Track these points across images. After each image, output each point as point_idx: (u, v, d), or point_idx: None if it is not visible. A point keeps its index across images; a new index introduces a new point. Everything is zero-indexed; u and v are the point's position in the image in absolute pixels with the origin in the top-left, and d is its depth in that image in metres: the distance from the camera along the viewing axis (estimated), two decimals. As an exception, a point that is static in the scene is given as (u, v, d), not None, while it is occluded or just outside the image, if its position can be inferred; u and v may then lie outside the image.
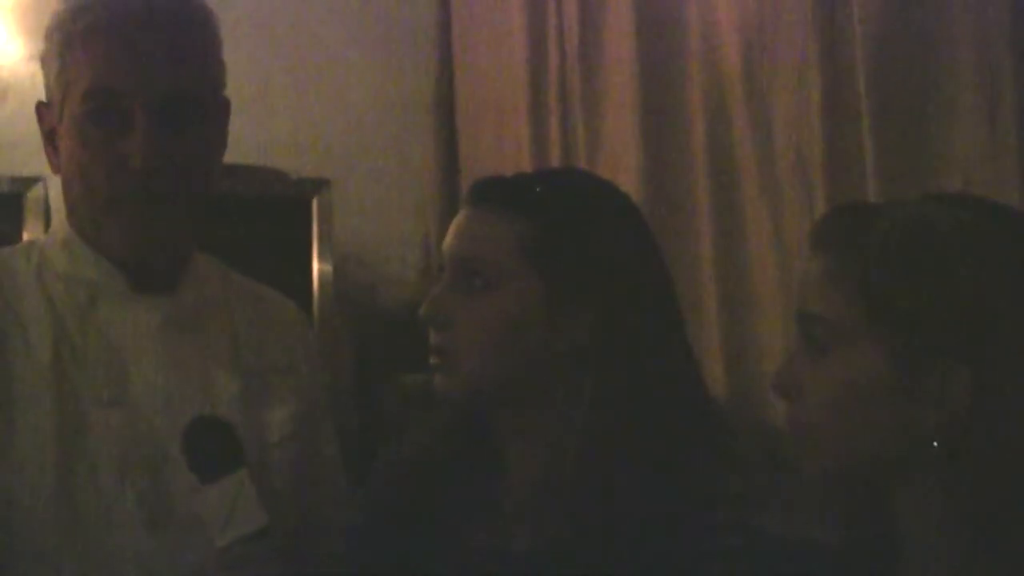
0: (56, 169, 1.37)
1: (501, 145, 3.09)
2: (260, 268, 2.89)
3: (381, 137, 3.26)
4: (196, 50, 1.36)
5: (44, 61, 1.36)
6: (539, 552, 1.19)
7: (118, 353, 1.35)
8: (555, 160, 2.98)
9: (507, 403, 1.26)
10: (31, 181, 2.86)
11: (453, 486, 1.28)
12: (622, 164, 2.87)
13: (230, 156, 3.20)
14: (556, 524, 1.18)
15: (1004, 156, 2.30)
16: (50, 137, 1.37)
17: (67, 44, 1.32)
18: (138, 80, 1.29)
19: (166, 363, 1.36)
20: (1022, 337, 0.96)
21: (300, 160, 3.07)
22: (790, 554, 1.12)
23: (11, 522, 1.27)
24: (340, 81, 3.29)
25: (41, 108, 1.38)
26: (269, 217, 2.93)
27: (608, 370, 1.21)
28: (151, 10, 1.32)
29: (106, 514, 1.29)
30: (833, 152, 2.51)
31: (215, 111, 1.40)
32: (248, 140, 3.02)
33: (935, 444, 0.97)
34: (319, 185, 2.89)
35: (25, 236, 2.79)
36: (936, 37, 2.41)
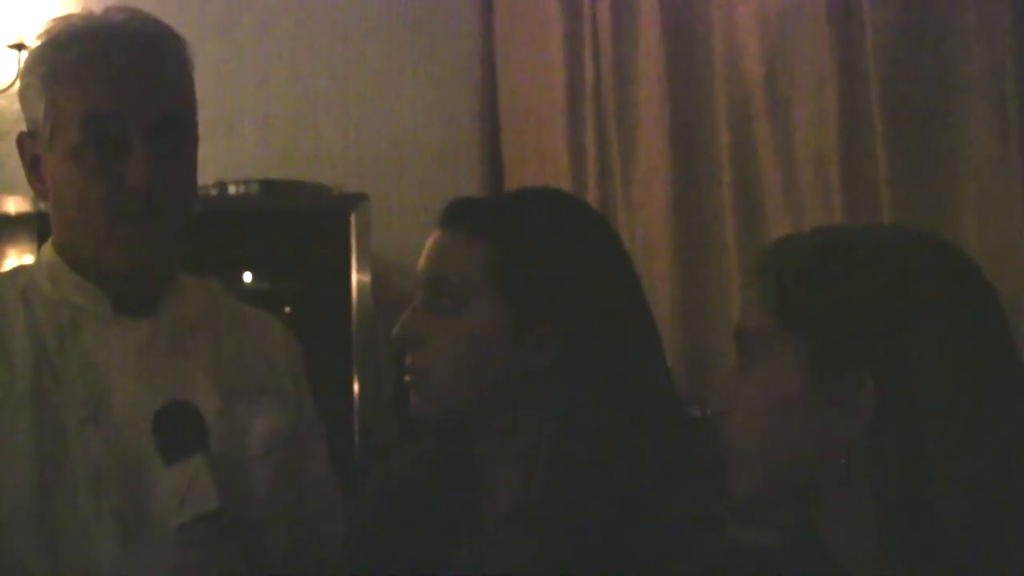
0: (42, 196, 1.41)
1: (542, 156, 3.16)
2: (303, 280, 2.98)
3: (425, 150, 3.32)
4: (177, 75, 1.40)
5: (25, 94, 1.39)
6: (515, 569, 1.18)
7: (98, 373, 1.37)
8: (592, 169, 3.05)
9: (480, 422, 1.26)
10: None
11: (438, 504, 1.28)
12: (654, 171, 2.95)
13: (277, 171, 3.28)
14: (531, 542, 1.18)
15: (1013, 162, 2.34)
16: (33, 166, 1.40)
17: (54, 76, 1.36)
18: (133, 105, 1.34)
19: (146, 383, 1.37)
20: (925, 349, 0.98)
21: (345, 174, 3.12)
22: (757, 565, 1.11)
23: None
24: (385, 97, 3.36)
25: (24, 139, 1.40)
26: (311, 230, 3.00)
27: (576, 390, 1.21)
28: (135, 40, 1.37)
29: (82, 529, 1.31)
30: (849, 160, 2.57)
31: (194, 132, 1.43)
32: (294, 155, 3.13)
33: (842, 461, 0.98)
34: (357, 199, 2.95)
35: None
36: (946, 48, 2.46)
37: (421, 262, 1.29)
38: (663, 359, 1.29)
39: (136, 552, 1.32)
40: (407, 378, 1.27)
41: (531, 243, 1.25)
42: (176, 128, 1.38)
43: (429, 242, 1.29)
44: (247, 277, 2.97)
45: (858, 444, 0.98)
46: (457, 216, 1.29)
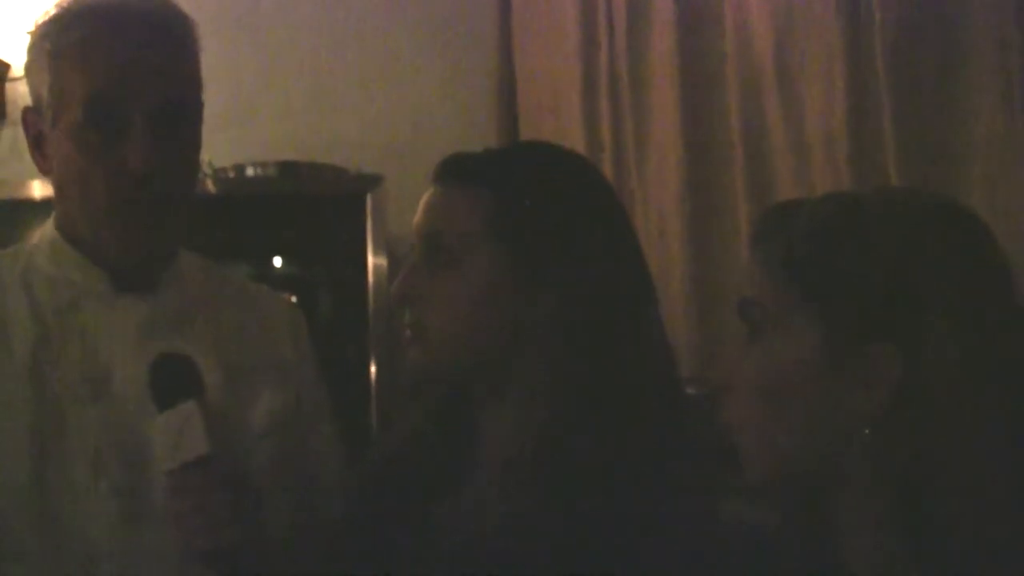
0: (45, 173, 1.40)
1: (560, 136, 3.18)
2: (320, 261, 3.00)
3: (442, 134, 3.33)
4: (183, 57, 1.39)
5: (30, 71, 1.39)
6: (506, 524, 1.17)
7: (98, 352, 1.37)
8: (607, 150, 3.07)
9: (478, 375, 1.25)
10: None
11: (435, 457, 1.28)
12: (667, 153, 2.97)
13: (295, 154, 3.30)
14: (524, 494, 1.16)
15: (1020, 137, 2.36)
16: (37, 142, 1.40)
17: (58, 54, 1.34)
18: (137, 88, 1.32)
19: (146, 361, 1.31)
20: (948, 316, 0.92)
21: (362, 157, 3.14)
22: (744, 537, 1.09)
23: None
24: (403, 80, 3.38)
25: (28, 114, 1.40)
26: (328, 212, 3.02)
27: (572, 343, 1.19)
28: (142, 21, 1.35)
29: (81, 507, 1.31)
30: (858, 138, 2.59)
31: (198, 114, 1.42)
32: (312, 138, 3.15)
33: (866, 431, 0.93)
34: (372, 181, 2.97)
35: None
36: (953, 27, 2.48)
37: (417, 218, 1.28)
38: (657, 312, 1.28)
39: (134, 530, 1.32)
40: (406, 334, 1.27)
41: (528, 193, 1.23)
42: (179, 111, 1.37)
43: (424, 198, 1.28)
44: (264, 258, 3.00)
45: (876, 420, 0.93)
46: (452, 171, 1.28)
